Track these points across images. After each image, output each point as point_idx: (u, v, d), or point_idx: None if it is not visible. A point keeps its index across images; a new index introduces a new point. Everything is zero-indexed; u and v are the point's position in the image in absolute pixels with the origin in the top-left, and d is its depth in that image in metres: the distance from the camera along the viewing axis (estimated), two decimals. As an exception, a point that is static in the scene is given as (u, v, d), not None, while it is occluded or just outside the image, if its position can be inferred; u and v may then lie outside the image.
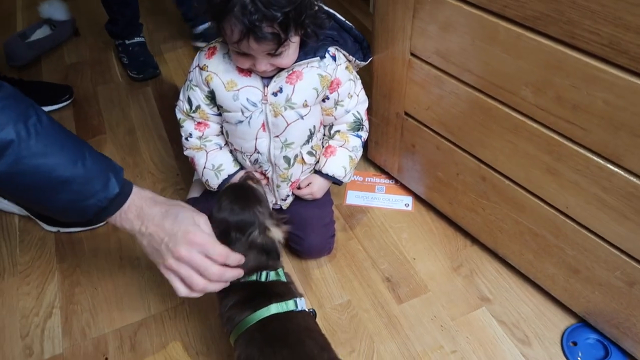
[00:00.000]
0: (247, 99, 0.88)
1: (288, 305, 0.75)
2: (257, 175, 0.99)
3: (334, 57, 0.91)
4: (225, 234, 0.75)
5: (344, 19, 0.94)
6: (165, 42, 1.77)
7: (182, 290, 0.71)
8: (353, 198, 1.22)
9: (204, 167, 0.98)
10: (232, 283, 0.77)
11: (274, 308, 0.74)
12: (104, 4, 1.55)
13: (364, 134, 1.03)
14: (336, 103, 0.96)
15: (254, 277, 0.77)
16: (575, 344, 0.92)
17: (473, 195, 1.01)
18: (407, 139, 1.11)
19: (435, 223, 1.15)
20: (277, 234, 0.79)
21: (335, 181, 1.02)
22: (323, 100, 0.95)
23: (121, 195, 0.68)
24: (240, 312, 0.75)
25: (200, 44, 1.58)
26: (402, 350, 0.93)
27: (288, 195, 1.03)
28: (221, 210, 0.77)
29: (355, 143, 1.01)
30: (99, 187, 0.66)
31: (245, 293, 0.77)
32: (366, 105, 1.02)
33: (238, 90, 0.88)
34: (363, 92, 1.00)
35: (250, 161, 0.97)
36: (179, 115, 0.97)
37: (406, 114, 1.07)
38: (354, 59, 0.96)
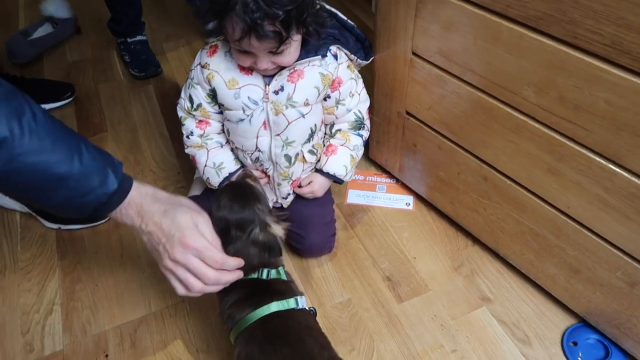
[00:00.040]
0: (249, 97, 0.88)
1: (289, 304, 0.75)
2: (258, 173, 0.99)
3: (335, 56, 0.91)
4: (225, 232, 0.75)
5: (345, 18, 0.94)
6: (167, 40, 1.77)
7: (180, 290, 0.71)
8: (354, 197, 1.22)
9: (205, 165, 0.98)
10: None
11: (275, 306, 0.74)
12: (107, 3, 1.55)
13: (365, 133, 1.03)
14: (337, 102, 0.96)
15: (254, 275, 0.77)
16: (575, 344, 0.92)
17: (474, 195, 1.01)
18: (409, 139, 1.11)
19: (436, 222, 1.15)
20: (277, 230, 0.79)
21: (336, 180, 1.02)
22: (324, 99, 0.95)
23: (120, 191, 0.68)
24: (240, 310, 0.75)
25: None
26: (402, 349, 0.93)
27: (289, 194, 1.03)
28: (220, 209, 0.77)
29: (356, 142, 1.01)
30: (97, 183, 0.65)
31: (246, 291, 0.77)
32: (367, 104, 1.02)
33: (239, 88, 0.88)
34: (364, 91, 1.00)
35: (251, 159, 0.97)
36: (180, 114, 0.97)
37: (408, 113, 1.07)
38: (356, 57, 0.96)
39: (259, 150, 0.94)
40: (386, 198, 1.21)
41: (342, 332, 0.96)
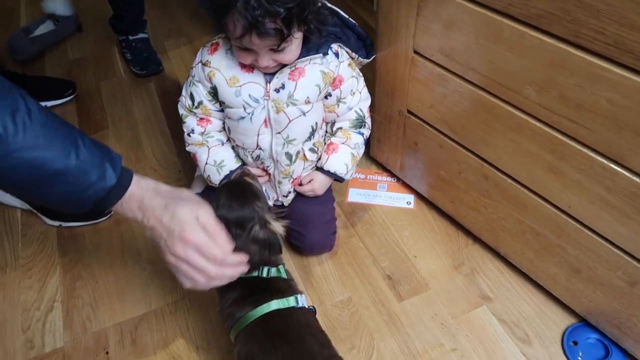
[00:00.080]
0: (250, 95, 0.88)
1: (289, 302, 0.75)
2: (259, 171, 0.99)
3: (336, 54, 0.91)
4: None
5: (347, 16, 0.94)
6: (168, 38, 1.77)
7: (186, 284, 0.70)
8: (355, 195, 1.22)
9: (206, 163, 0.98)
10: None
11: (275, 304, 0.74)
12: (110, 0, 1.54)
13: (366, 132, 1.03)
14: (338, 100, 0.96)
15: (255, 273, 0.77)
16: (575, 343, 0.92)
17: (475, 193, 1.01)
18: (410, 137, 1.11)
19: (437, 221, 1.15)
20: (277, 227, 0.79)
21: (337, 178, 1.02)
22: (325, 97, 0.95)
23: (119, 185, 0.67)
24: (241, 308, 0.76)
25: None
26: (402, 347, 0.93)
27: (290, 192, 1.03)
28: (220, 208, 0.77)
29: (357, 140, 1.01)
30: (95, 178, 0.64)
31: (246, 289, 0.77)
32: (369, 102, 1.02)
33: (240, 86, 0.88)
34: (366, 90, 1.00)
35: (252, 157, 0.97)
36: (181, 111, 0.97)
37: (409, 112, 1.07)
38: (357, 56, 0.96)
39: (260, 148, 0.94)
40: (387, 197, 1.21)
41: (342, 330, 0.96)
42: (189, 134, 0.98)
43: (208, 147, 0.98)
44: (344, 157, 1.01)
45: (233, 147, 1.00)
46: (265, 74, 0.88)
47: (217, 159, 0.98)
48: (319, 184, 1.02)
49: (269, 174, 1.00)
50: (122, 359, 0.93)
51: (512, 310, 0.98)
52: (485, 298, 1.01)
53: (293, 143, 0.94)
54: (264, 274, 0.77)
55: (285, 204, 1.05)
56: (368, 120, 1.02)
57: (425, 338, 0.95)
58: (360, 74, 0.99)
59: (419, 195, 1.20)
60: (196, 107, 0.94)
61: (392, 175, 1.25)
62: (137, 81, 1.59)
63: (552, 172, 0.82)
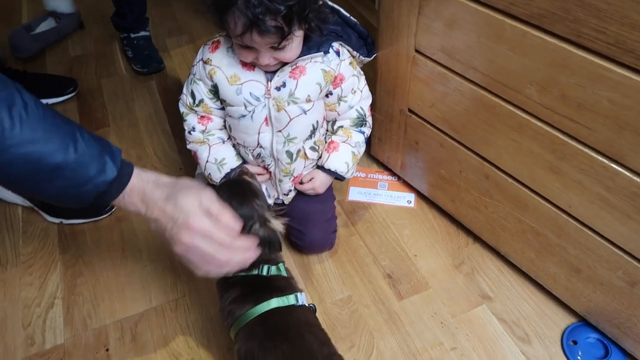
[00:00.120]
0: (250, 93, 0.88)
1: (289, 300, 0.76)
2: (259, 169, 0.99)
3: (337, 53, 0.91)
4: None
5: (348, 15, 0.94)
6: (169, 36, 1.77)
7: (198, 272, 0.70)
8: (355, 194, 1.22)
9: (207, 161, 0.98)
10: (233, 276, 0.77)
11: (275, 302, 0.75)
12: None
13: (367, 130, 1.03)
14: (339, 99, 0.96)
15: (255, 271, 0.77)
16: (575, 342, 0.92)
17: (476, 193, 1.01)
18: (411, 136, 1.11)
19: (438, 220, 1.15)
20: (277, 225, 0.79)
21: (338, 177, 1.02)
22: (326, 96, 0.95)
23: (120, 179, 0.66)
24: (241, 306, 0.76)
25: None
26: (402, 346, 0.94)
27: (290, 190, 1.03)
28: None
29: (358, 139, 1.01)
30: (95, 172, 0.63)
31: (246, 287, 0.77)
32: (370, 101, 1.02)
33: (241, 84, 0.88)
34: (367, 88, 1.00)
35: (252, 155, 0.97)
36: (182, 109, 0.97)
37: (410, 110, 1.07)
38: (358, 54, 0.96)
39: (261, 147, 0.94)
40: (388, 195, 1.21)
41: (342, 328, 0.96)
42: (189, 132, 0.98)
43: (209, 145, 0.98)
44: (344, 155, 1.01)
45: (234, 145, 1.00)
46: (266, 72, 0.88)
47: (218, 157, 0.98)
48: (319, 183, 1.02)
49: (270, 172, 1.00)
50: (123, 356, 0.93)
51: (512, 309, 0.99)
52: (485, 297, 1.01)
53: (294, 141, 0.94)
54: (264, 272, 0.77)
55: (286, 202, 1.05)
56: (369, 119, 1.02)
57: (425, 337, 0.95)
58: (361, 72, 0.99)
59: (419, 194, 1.20)
60: (197, 105, 0.94)
61: (393, 174, 1.25)
62: (139, 79, 1.59)
63: (552, 172, 0.82)
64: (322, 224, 1.05)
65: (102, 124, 1.43)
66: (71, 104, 1.50)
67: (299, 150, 0.96)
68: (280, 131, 0.92)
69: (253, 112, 0.90)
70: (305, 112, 0.91)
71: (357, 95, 0.98)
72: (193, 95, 0.94)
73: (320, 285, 1.04)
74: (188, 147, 1.01)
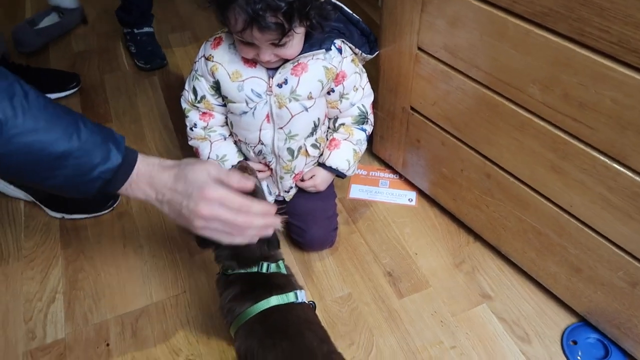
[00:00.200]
0: (252, 90, 0.88)
1: (288, 297, 0.76)
2: (260, 166, 0.99)
3: (339, 50, 0.91)
4: None
5: (351, 12, 0.94)
6: (172, 32, 1.77)
7: (225, 239, 0.70)
8: (357, 192, 1.22)
9: (208, 157, 0.98)
10: (233, 274, 0.77)
11: (274, 300, 0.75)
12: None
13: (369, 128, 1.03)
14: (341, 96, 0.95)
15: (254, 269, 0.78)
16: (575, 342, 0.92)
17: (477, 191, 1.01)
18: (413, 134, 1.11)
19: (439, 219, 1.15)
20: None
21: (339, 174, 1.02)
22: (328, 93, 0.95)
23: (125, 165, 0.65)
24: (240, 304, 0.76)
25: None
26: (402, 344, 0.94)
27: (291, 187, 1.03)
28: None
29: (359, 136, 1.01)
30: (99, 159, 0.63)
31: (246, 285, 0.77)
32: (371, 98, 1.02)
33: (243, 81, 0.88)
34: (369, 86, 1.00)
35: (254, 152, 0.97)
36: (184, 105, 0.97)
37: (412, 108, 1.07)
38: (360, 52, 0.95)
39: (262, 143, 0.94)
40: (389, 193, 1.21)
41: (341, 326, 0.96)
42: (191, 128, 0.98)
43: (210, 141, 0.98)
44: (346, 153, 1.00)
45: (235, 142, 1.00)
46: (268, 69, 0.88)
47: (219, 154, 0.98)
48: (320, 180, 1.02)
49: (271, 169, 1.00)
50: (123, 351, 0.93)
51: (512, 308, 0.98)
52: (485, 296, 1.01)
53: (295, 138, 0.94)
54: (264, 270, 0.77)
55: (287, 199, 1.05)
56: (371, 117, 1.02)
57: (425, 335, 0.95)
58: (364, 70, 0.98)
59: (420, 193, 1.20)
60: (199, 102, 0.94)
61: (395, 172, 1.25)
62: (141, 74, 1.59)
63: (554, 171, 0.82)
64: (323, 221, 1.05)
65: (105, 119, 1.43)
66: (74, 99, 1.50)
67: (300, 148, 0.96)
68: (281, 128, 0.92)
69: (254, 109, 0.90)
70: (306, 109, 0.91)
71: (359, 93, 0.97)
72: (195, 92, 0.94)
73: (320, 283, 1.04)
74: (190, 143, 1.01)
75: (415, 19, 0.92)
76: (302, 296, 0.78)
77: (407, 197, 1.20)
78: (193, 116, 0.97)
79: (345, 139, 1.01)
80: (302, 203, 1.04)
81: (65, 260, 1.08)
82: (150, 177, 0.67)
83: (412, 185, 1.21)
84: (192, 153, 1.06)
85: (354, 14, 0.94)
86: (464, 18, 0.83)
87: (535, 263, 0.97)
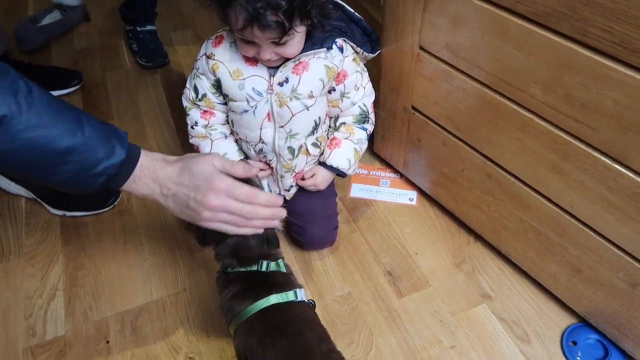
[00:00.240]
0: (253, 89, 0.88)
1: (288, 296, 0.76)
2: (261, 165, 0.99)
3: (341, 49, 0.91)
4: None
5: (353, 11, 0.93)
6: (175, 30, 1.77)
7: (231, 230, 0.71)
8: (357, 191, 1.22)
9: (209, 156, 0.98)
10: (233, 272, 0.77)
11: (274, 298, 0.75)
12: None
13: (370, 127, 1.03)
14: (342, 95, 0.95)
15: (254, 267, 0.78)
16: (575, 343, 0.92)
17: (478, 191, 1.01)
18: (414, 134, 1.10)
19: (439, 218, 1.15)
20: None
21: (340, 173, 1.02)
22: (329, 92, 0.95)
23: (129, 160, 0.66)
24: (240, 302, 0.76)
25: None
26: (401, 343, 0.94)
27: (292, 186, 1.03)
28: None
29: (360, 136, 1.01)
30: (103, 155, 0.64)
31: (246, 283, 0.77)
32: (373, 98, 1.02)
33: (244, 79, 0.88)
34: (370, 85, 1.00)
35: (254, 151, 0.97)
36: (185, 104, 0.97)
37: (413, 108, 1.07)
38: (362, 51, 0.95)
39: (263, 142, 0.94)
40: (389, 193, 1.21)
41: (341, 325, 0.97)
42: (192, 127, 0.98)
43: (211, 139, 0.98)
44: (346, 152, 1.00)
45: (236, 140, 1.00)
46: (269, 67, 0.88)
47: (220, 152, 0.98)
48: (321, 179, 1.02)
49: (272, 168, 1.00)
50: (123, 348, 0.93)
51: (512, 309, 0.98)
52: (485, 296, 1.01)
53: (296, 137, 0.94)
54: (264, 268, 0.77)
55: (288, 198, 1.05)
56: (372, 116, 1.02)
57: (424, 335, 0.95)
58: (365, 69, 0.98)
59: (421, 192, 1.20)
60: (200, 100, 0.94)
61: (395, 171, 1.25)
62: (143, 72, 1.59)
63: (555, 172, 0.82)
64: (324, 220, 1.05)
65: (106, 117, 1.43)
66: (76, 96, 1.50)
67: (300, 146, 0.96)
68: (282, 127, 0.92)
69: (255, 108, 0.90)
70: (307, 108, 0.91)
71: (360, 92, 0.97)
72: (196, 90, 0.94)
73: (320, 282, 1.04)
74: (191, 141, 1.01)
75: (417, 18, 0.92)
76: (302, 295, 0.78)
77: (407, 196, 1.20)
78: (194, 114, 0.97)
79: (346, 138, 1.01)
80: (303, 202, 1.04)
81: (66, 258, 1.09)
82: (154, 171, 0.68)
83: (413, 185, 1.21)
84: (192, 151, 1.06)
85: (355, 13, 0.94)
86: (466, 17, 0.83)
87: (535, 263, 0.97)
